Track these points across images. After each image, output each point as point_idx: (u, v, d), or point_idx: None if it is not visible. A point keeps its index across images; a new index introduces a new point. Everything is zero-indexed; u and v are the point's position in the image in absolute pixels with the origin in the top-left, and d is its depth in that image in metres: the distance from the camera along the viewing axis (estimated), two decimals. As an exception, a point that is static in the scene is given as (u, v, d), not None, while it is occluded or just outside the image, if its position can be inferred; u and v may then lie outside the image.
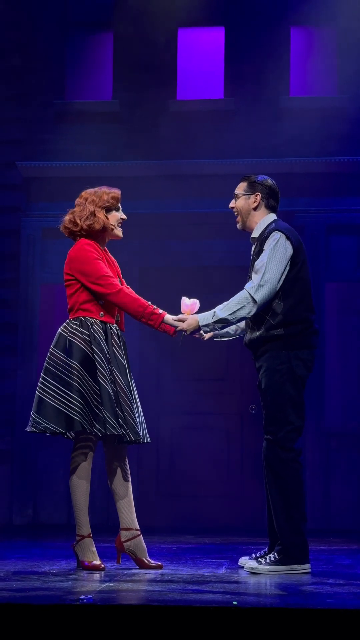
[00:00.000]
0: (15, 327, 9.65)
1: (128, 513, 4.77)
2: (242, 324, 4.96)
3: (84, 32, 10.09)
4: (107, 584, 3.97)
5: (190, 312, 4.80)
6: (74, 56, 10.01)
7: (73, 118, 9.76)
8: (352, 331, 9.48)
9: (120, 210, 4.93)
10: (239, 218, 4.95)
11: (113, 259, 4.96)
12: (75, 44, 10.03)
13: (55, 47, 9.89)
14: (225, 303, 4.72)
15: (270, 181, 4.94)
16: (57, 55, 9.90)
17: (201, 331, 4.83)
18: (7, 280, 9.75)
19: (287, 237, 4.74)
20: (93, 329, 4.71)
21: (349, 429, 9.29)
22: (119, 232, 4.91)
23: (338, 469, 9.18)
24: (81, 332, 4.70)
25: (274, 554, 4.62)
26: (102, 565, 4.65)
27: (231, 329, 4.99)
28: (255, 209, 4.90)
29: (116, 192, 4.91)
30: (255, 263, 4.75)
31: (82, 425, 4.59)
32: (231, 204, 4.97)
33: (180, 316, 4.79)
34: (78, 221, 4.82)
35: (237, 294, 4.71)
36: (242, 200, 4.92)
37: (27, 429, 4.73)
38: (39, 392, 4.70)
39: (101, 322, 4.75)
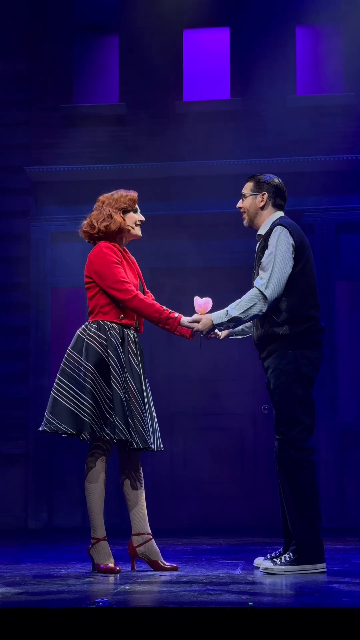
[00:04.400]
0: (27, 330, 9.67)
1: (139, 519, 4.78)
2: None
3: (90, 36, 10.11)
4: (122, 586, 3.97)
5: (203, 311, 4.80)
6: (80, 59, 10.03)
7: (80, 121, 9.77)
8: (364, 329, 9.46)
9: (139, 212, 4.94)
10: (245, 216, 4.95)
11: (133, 258, 4.97)
12: (81, 48, 10.04)
13: (61, 50, 9.91)
14: (237, 301, 4.71)
15: (277, 180, 4.94)
16: (64, 59, 9.92)
17: (216, 330, 4.85)
18: (18, 284, 9.78)
19: (290, 232, 4.73)
20: (110, 333, 4.72)
21: (363, 426, 9.27)
22: (137, 231, 4.92)
23: (352, 466, 9.16)
24: (98, 336, 4.71)
25: (289, 554, 4.61)
26: (118, 568, 4.66)
27: (246, 326, 5.00)
28: (262, 208, 4.90)
29: (133, 194, 4.93)
30: (262, 260, 4.75)
31: (91, 427, 4.60)
32: (239, 204, 4.98)
33: (194, 316, 4.79)
34: (95, 224, 4.85)
35: (248, 292, 4.70)
36: (250, 199, 4.92)
37: (40, 428, 4.76)
38: (53, 392, 4.72)
39: (119, 327, 4.76)
